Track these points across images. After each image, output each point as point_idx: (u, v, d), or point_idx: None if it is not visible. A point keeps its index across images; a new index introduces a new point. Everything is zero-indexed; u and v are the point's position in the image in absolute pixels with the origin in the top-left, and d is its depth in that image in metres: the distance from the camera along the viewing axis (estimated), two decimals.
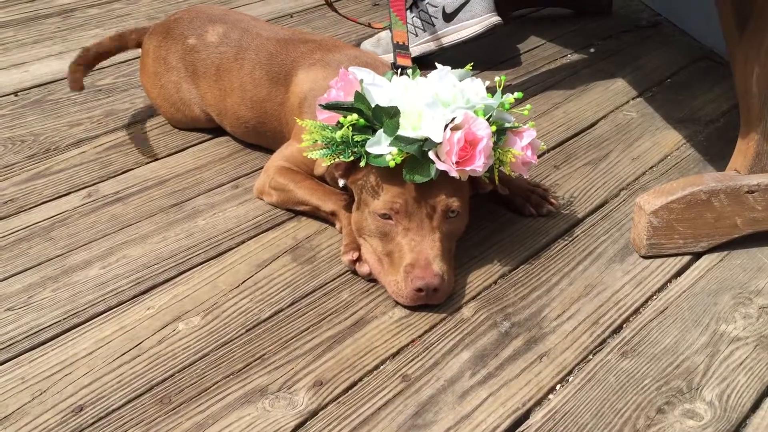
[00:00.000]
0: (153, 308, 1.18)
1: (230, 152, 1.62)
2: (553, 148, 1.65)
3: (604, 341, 1.13)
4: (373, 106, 1.18)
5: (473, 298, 1.22)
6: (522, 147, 1.23)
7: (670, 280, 1.25)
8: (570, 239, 1.35)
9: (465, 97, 1.22)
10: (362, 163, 1.19)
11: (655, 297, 1.22)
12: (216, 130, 1.68)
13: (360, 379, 1.06)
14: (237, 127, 1.59)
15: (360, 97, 1.19)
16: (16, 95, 1.86)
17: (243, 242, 1.34)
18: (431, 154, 1.16)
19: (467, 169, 1.16)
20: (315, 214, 1.39)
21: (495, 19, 1.94)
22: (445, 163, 1.16)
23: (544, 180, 1.53)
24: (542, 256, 1.31)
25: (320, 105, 1.23)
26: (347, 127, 1.18)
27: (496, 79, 1.27)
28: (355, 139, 1.18)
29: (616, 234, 1.36)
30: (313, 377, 1.06)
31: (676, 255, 1.30)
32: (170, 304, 1.19)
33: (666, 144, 1.66)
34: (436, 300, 1.18)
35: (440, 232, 1.19)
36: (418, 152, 1.16)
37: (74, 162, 1.58)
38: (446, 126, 1.16)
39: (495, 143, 1.20)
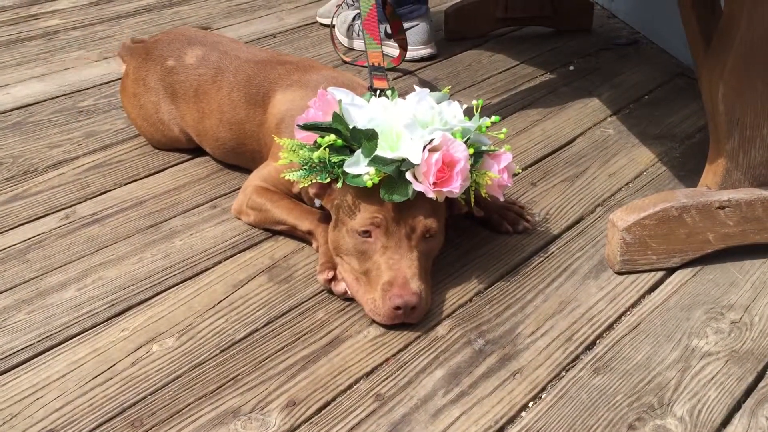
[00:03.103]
0: (127, 330, 1.18)
1: (209, 173, 1.63)
2: (531, 165, 1.66)
3: (577, 357, 1.14)
4: (351, 126, 1.19)
5: (448, 315, 1.22)
6: (498, 170, 1.24)
7: (643, 296, 1.26)
8: (545, 256, 1.36)
9: (443, 119, 1.23)
10: (339, 184, 1.20)
11: (628, 313, 1.23)
12: (195, 151, 1.68)
13: (333, 399, 1.06)
14: (216, 148, 1.60)
15: (338, 117, 1.20)
16: None
17: (220, 262, 1.35)
18: (408, 175, 1.17)
19: (444, 190, 1.17)
20: (292, 233, 1.39)
21: (425, 52, 2.17)
22: (422, 184, 1.17)
23: (522, 197, 1.54)
24: (518, 273, 1.32)
25: (298, 125, 1.24)
26: (324, 148, 1.19)
27: (473, 102, 1.29)
28: (332, 160, 1.19)
29: (591, 250, 1.37)
30: (286, 398, 1.06)
31: (650, 271, 1.30)
32: (145, 326, 1.19)
33: (642, 160, 1.67)
34: (413, 319, 1.19)
35: (418, 251, 1.20)
36: (396, 173, 1.17)
37: (52, 184, 1.58)
38: (424, 147, 1.17)
39: (472, 166, 1.21)
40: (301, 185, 1.23)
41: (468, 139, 1.22)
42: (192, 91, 1.59)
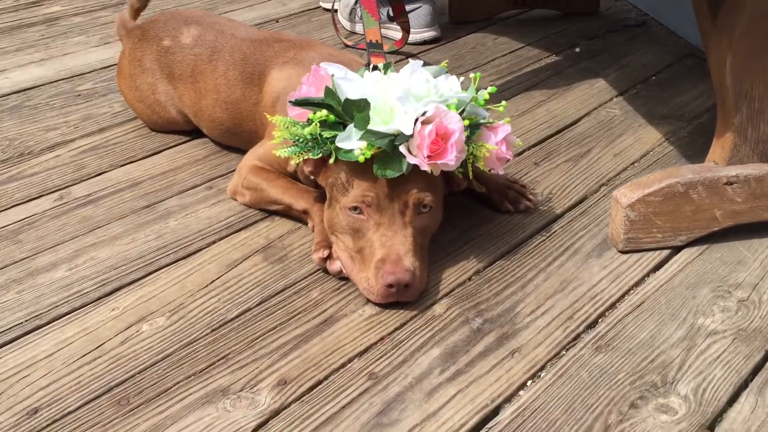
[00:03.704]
0: (118, 309, 1.16)
1: (206, 154, 1.60)
2: (535, 145, 1.62)
3: (578, 336, 1.10)
4: (343, 100, 1.16)
5: (446, 294, 1.19)
6: (496, 142, 1.21)
7: (648, 275, 1.22)
8: (547, 235, 1.33)
9: (438, 92, 1.20)
10: (332, 160, 1.17)
11: (632, 291, 1.19)
12: (193, 132, 1.66)
13: (325, 378, 1.04)
14: (213, 129, 1.57)
15: (330, 92, 1.17)
16: None
17: (214, 242, 1.32)
18: (402, 149, 1.14)
19: (439, 162, 1.14)
20: (288, 213, 1.37)
21: (428, 35, 2.14)
22: (417, 157, 1.14)
23: (524, 177, 1.50)
24: (518, 252, 1.29)
25: (290, 101, 1.21)
26: (316, 124, 1.16)
27: (471, 75, 1.26)
28: (325, 136, 1.16)
29: (595, 229, 1.34)
30: (277, 376, 1.03)
31: (655, 249, 1.26)
32: (135, 305, 1.17)
33: (648, 140, 1.63)
34: (407, 297, 1.15)
35: (412, 227, 1.17)
36: (390, 147, 1.13)
37: (48, 165, 1.56)
38: (417, 119, 1.14)
39: (468, 137, 1.18)
40: (293, 162, 1.20)
41: (463, 110, 1.18)
42: (188, 71, 1.56)
